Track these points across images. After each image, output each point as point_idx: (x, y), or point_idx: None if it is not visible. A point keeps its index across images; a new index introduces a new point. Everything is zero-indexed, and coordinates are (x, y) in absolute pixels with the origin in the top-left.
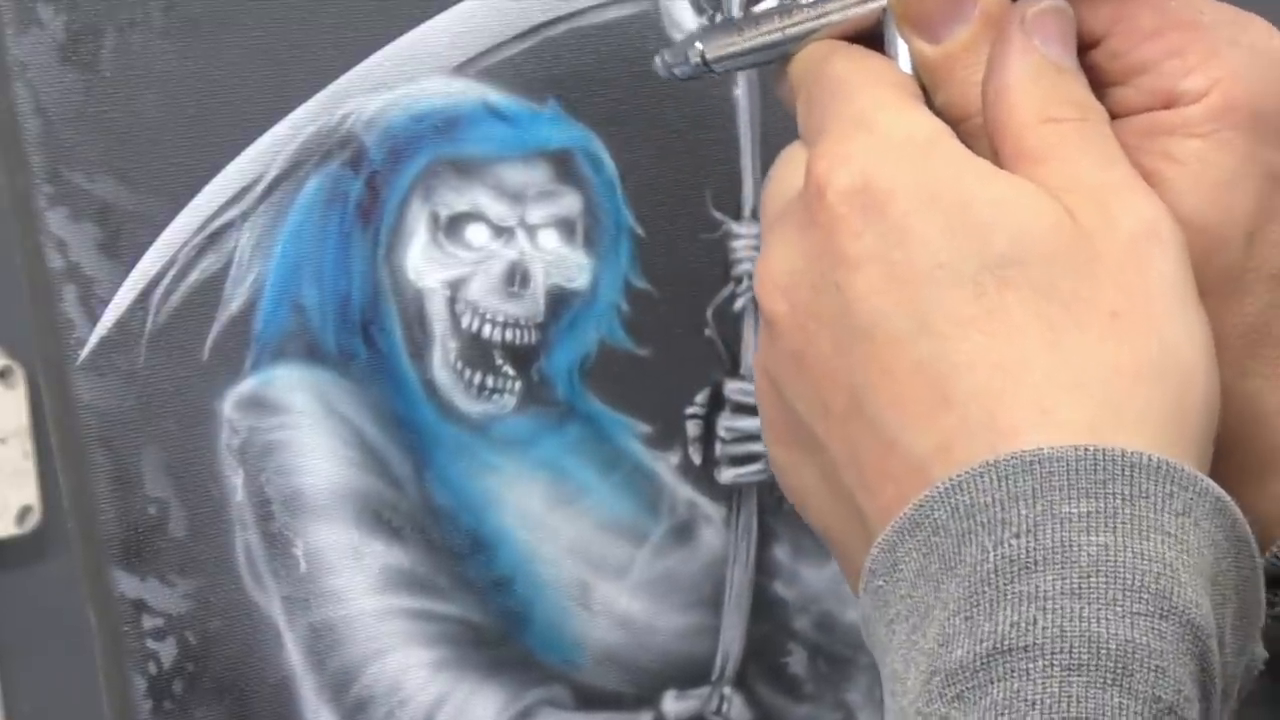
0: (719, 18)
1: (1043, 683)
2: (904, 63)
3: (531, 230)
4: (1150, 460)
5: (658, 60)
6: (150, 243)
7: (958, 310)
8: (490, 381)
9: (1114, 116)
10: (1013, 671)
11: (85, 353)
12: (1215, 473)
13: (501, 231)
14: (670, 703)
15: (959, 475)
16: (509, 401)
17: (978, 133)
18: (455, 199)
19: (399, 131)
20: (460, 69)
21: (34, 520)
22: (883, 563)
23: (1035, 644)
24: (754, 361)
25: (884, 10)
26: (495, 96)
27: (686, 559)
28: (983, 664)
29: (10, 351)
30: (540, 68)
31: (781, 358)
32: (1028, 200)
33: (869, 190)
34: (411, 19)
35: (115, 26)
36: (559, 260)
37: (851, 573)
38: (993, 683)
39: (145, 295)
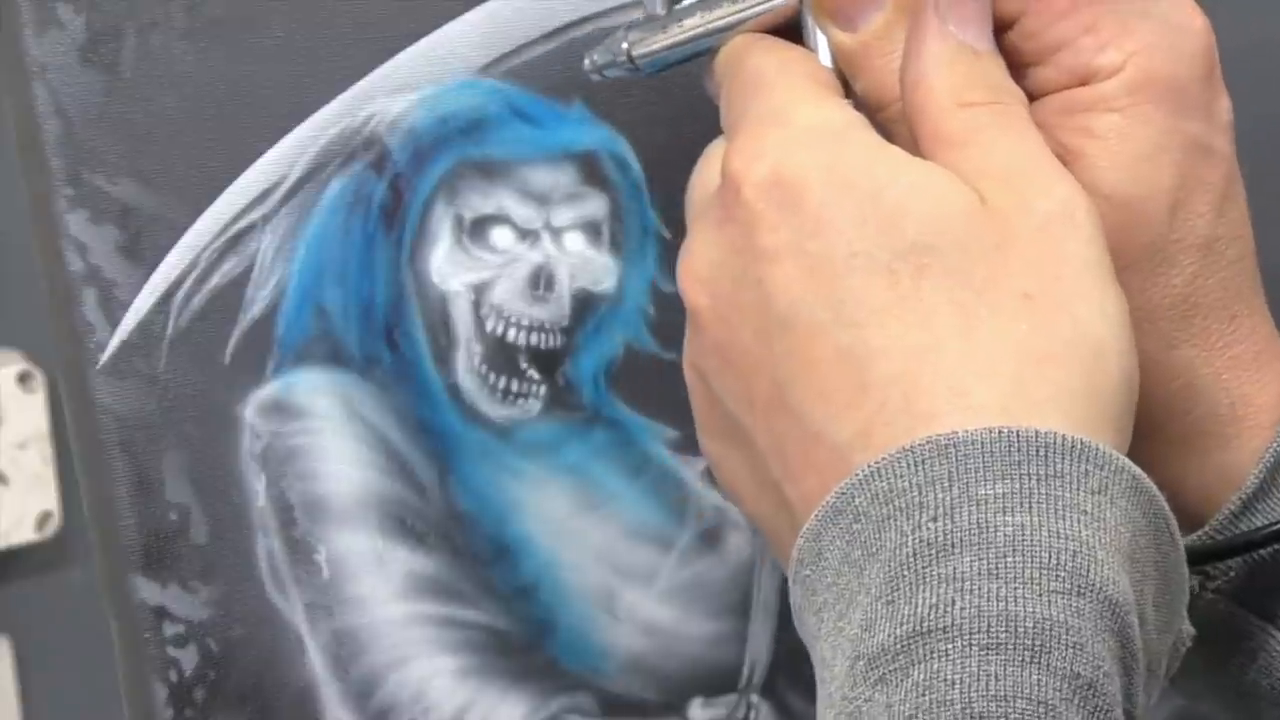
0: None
1: (961, 662)
2: (823, 53)
3: (557, 233)
4: (1064, 440)
5: (586, 61)
6: (171, 245)
7: (873, 298)
8: (515, 386)
9: (1033, 96)
10: (932, 653)
11: (106, 357)
12: (1153, 448)
13: (527, 234)
14: (697, 710)
15: (877, 461)
16: (534, 406)
17: (898, 119)
18: (480, 201)
19: (423, 133)
20: (485, 70)
21: (54, 526)
22: (808, 551)
23: (954, 625)
24: (684, 356)
25: (800, 1)
26: (520, 98)
27: (714, 565)
28: (903, 647)
29: (30, 356)
30: (566, 69)
31: (706, 351)
32: (940, 186)
33: (783, 183)
34: (436, 19)
35: (136, 27)
36: (585, 263)
37: (785, 563)
38: (913, 664)
39: (166, 299)
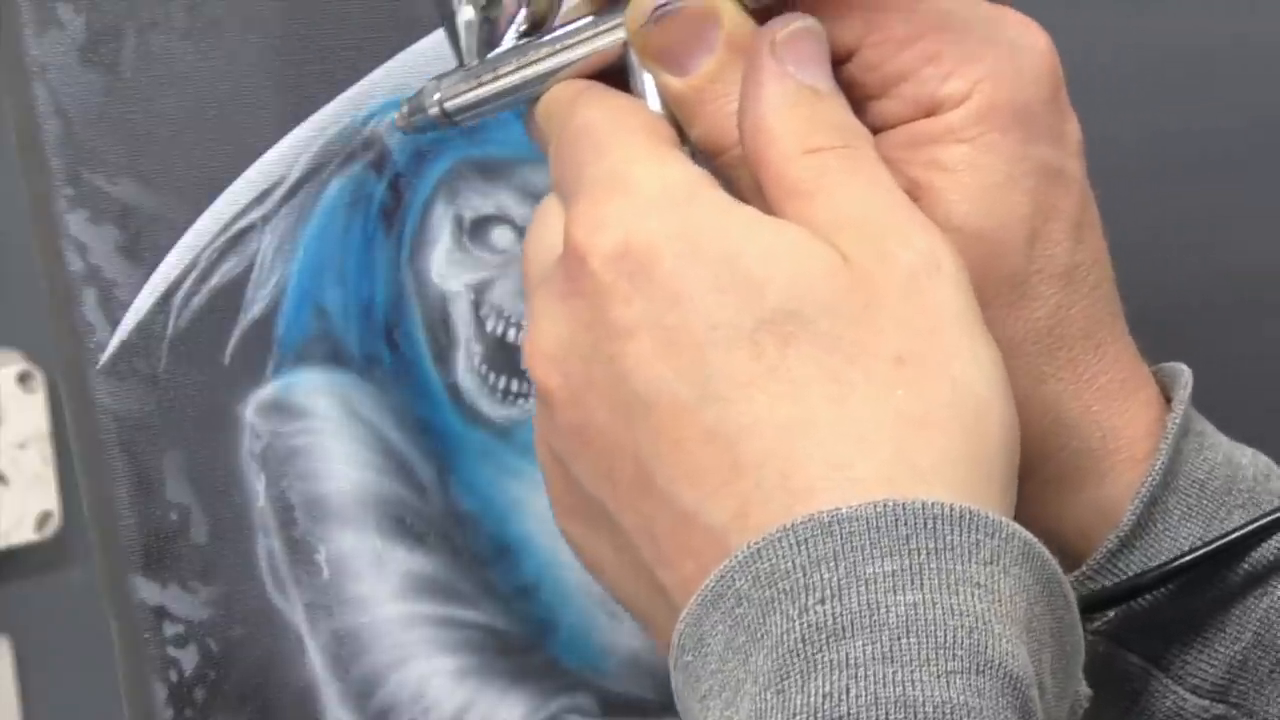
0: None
1: None
2: (651, 99)
3: None
4: (952, 510)
5: (396, 116)
6: (171, 245)
7: (738, 371)
8: (515, 385)
9: (876, 130)
10: None
11: (105, 357)
12: (1029, 488)
13: None
14: None
15: (757, 542)
16: (534, 406)
17: (737, 164)
18: (480, 201)
19: None
20: None
21: (54, 526)
22: (689, 638)
23: (850, 714)
24: (534, 434)
25: (625, 44)
26: None
27: None
28: None
29: (30, 356)
30: None
31: (561, 432)
32: (797, 247)
33: (632, 254)
34: (435, 19)
35: (136, 27)
36: None
37: (662, 647)
38: None
39: (166, 298)
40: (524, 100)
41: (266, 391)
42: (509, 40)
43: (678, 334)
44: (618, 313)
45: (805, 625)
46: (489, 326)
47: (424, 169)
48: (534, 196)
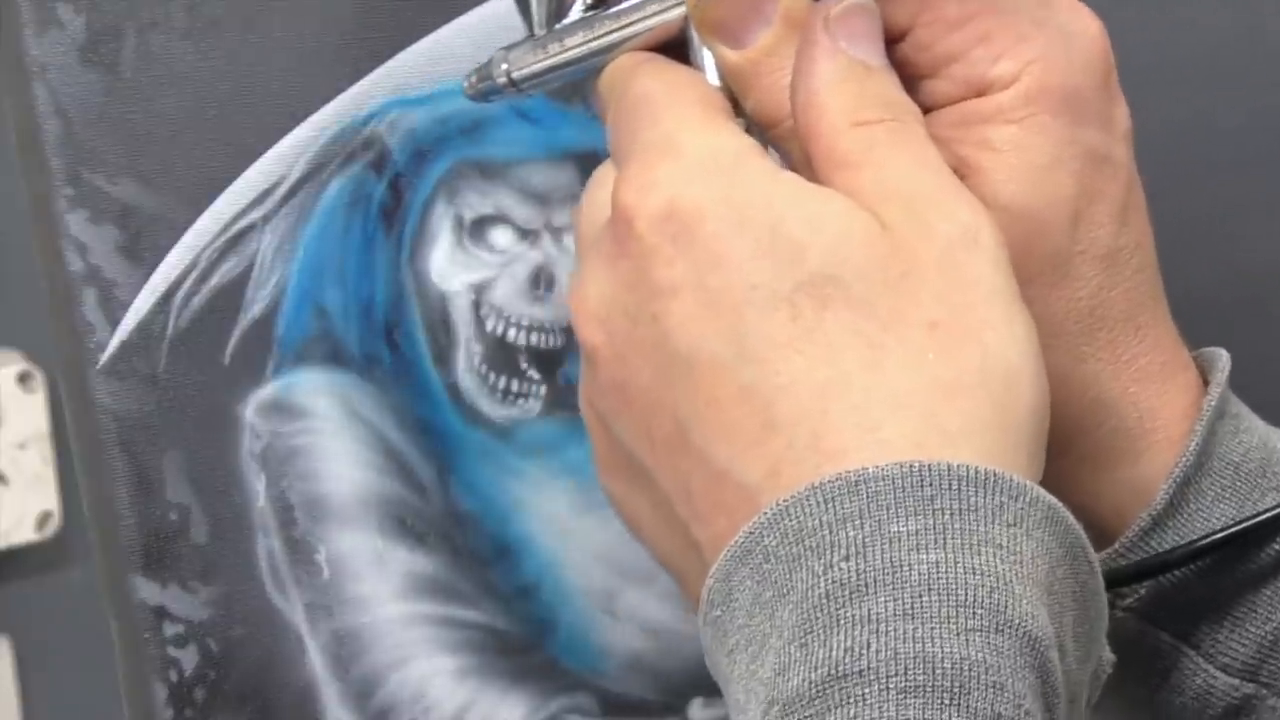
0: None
1: (879, 707)
2: (710, 72)
3: (557, 233)
4: (977, 473)
5: (464, 83)
6: (171, 245)
7: (775, 332)
8: (515, 386)
9: (927, 110)
10: (849, 698)
11: (106, 357)
12: (1064, 465)
13: (527, 234)
14: (697, 710)
15: (786, 499)
16: (534, 406)
17: (790, 137)
18: (480, 201)
19: (423, 133)
20: None
21: (54, 526)
22: (718, 592)
23: (870, 668)
24: (580, 394)
25: (686, 18)
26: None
27: None
28: (819, 692)
29: (30, 356)
30: None
31: (604, 390)
32: (839, 215)
33: (676, 216)
34: (435, 20)
35: (136, 27)
36: None
37: (694, 603)
38: (829, 710)
39: (166, 299)
40: (588, 70)
41: (266, 391)
42: (576, 12)
43: (718, 295)
44: (661, 273)
45: (830, 581)
46: (489, 326)
47: (424, 169)
48: (534, 196)
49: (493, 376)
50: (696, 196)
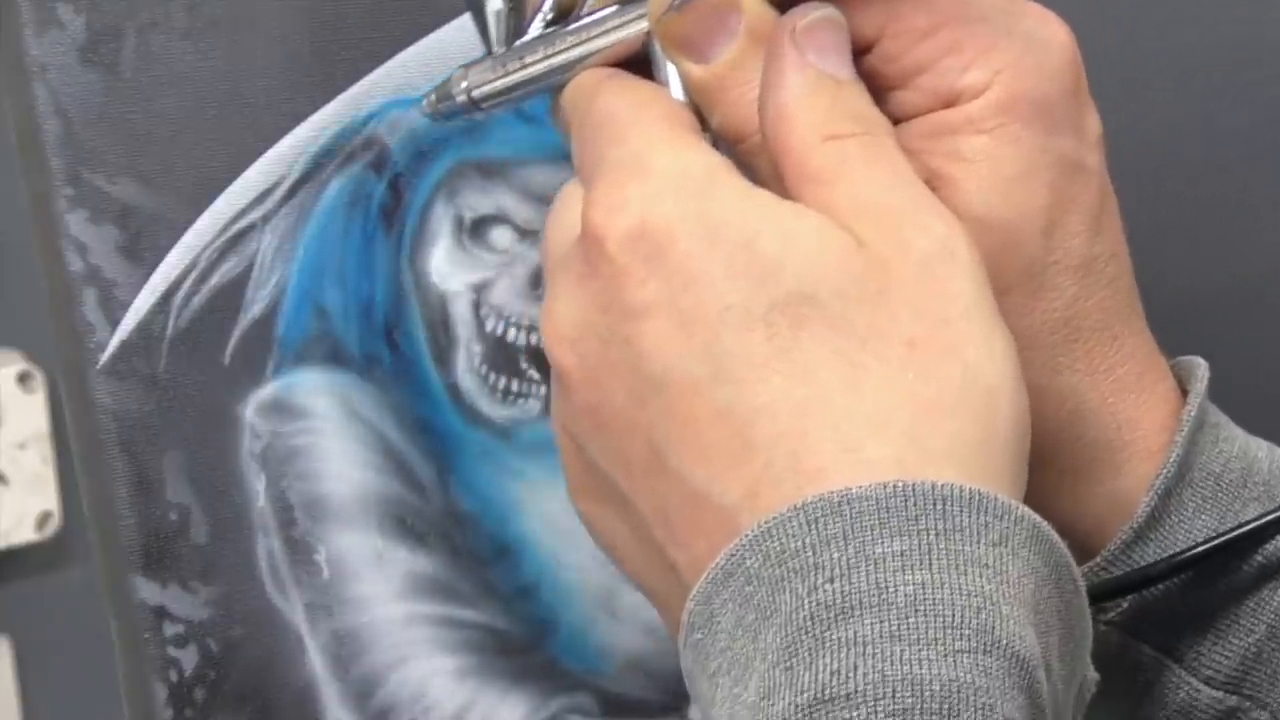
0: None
1: None
2: (674, 86)
3: None
4: (961, 492)
5: (424, 102)
6: (171, 245)
7: (751, 352)
8: (515, 386)
9: (896, 121)
10: None
11: (105, 357)
12: (1044, 479)
13: (527, 234)
14: (697, 711)
15: (768, 521)
16: (534, 406)
17: (758, 151)
18: (480, 201)
19: (423, 133)
20: None
21: (54, 526)
22: (699, 615)
23: (857, 691)
24: (552, 415)
25: (649, 33)
26: None
27: None
28: (805, 716)
29: (30, 356)
30: None
31: (577, 412)
32: (814, 232)
33: (648, 236)
34: (435, 20)
35: (136, 27)
36: None
37: (672, 626)
38: None
39: (166, 298)
40: (550, 88)
41: (266, 391)
42: (535, 29)
43: (692, 315)
44: (633, 294)
45: (814, 603)
46: (489, 326)
47: (424, 169)
48: (534, 196)
49: (493, 376)
50: (667, 215)
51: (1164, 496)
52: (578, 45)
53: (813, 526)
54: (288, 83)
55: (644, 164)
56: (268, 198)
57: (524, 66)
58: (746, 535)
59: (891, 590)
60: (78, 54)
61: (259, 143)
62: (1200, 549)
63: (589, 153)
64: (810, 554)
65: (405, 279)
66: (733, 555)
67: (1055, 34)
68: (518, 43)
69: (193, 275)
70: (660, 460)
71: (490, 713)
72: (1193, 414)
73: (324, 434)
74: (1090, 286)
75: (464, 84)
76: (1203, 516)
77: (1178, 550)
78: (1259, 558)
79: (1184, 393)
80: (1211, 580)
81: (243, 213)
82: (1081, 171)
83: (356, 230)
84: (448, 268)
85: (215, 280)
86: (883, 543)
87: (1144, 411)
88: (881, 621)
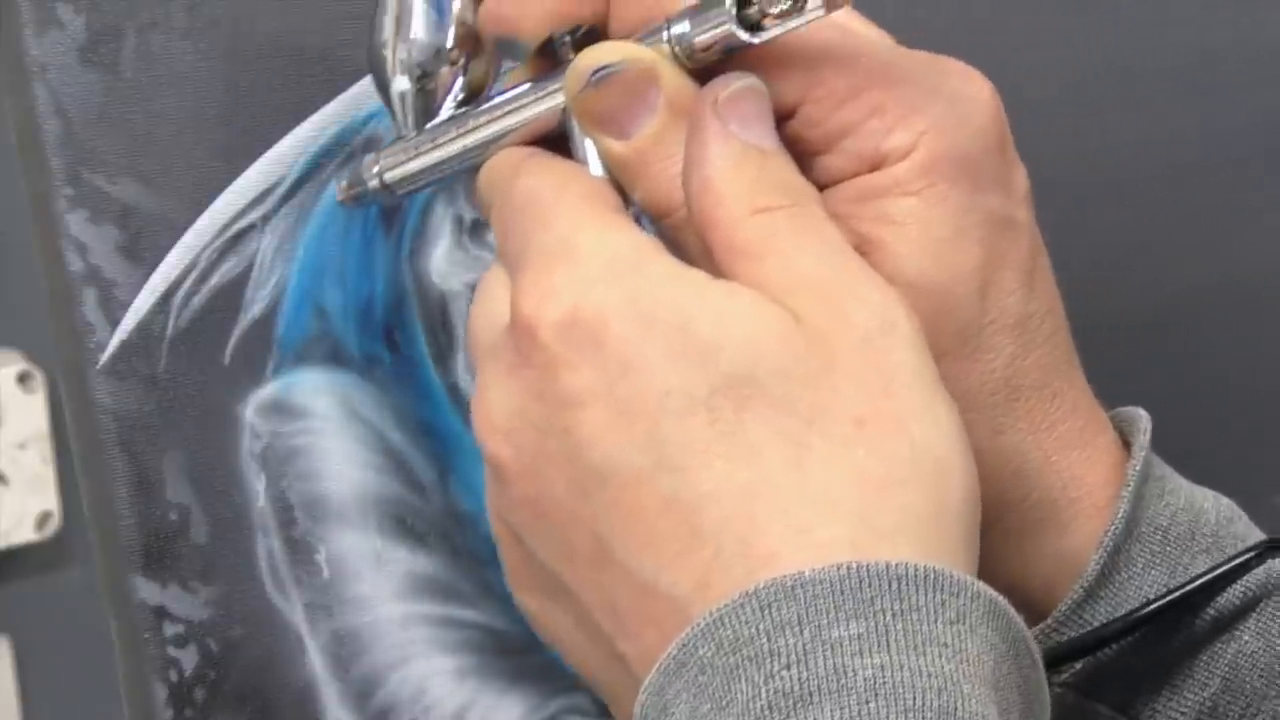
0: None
1: None
2: (594, 163)
3: None
4: (917, 570)
5: (336, 188)
6: (171, 245)
7: (694, 438)
8: None
9: (823, 186)
10: None
11: (105, 357)
12: (992, 541)
13: None
14: None
15: (720, 608)
16: None
17: (684, 226)
18: None
19: None
20: None
21: (53, 526)
22: (652, 707)
23: None
24: (487, 508)
25: (565, 110)
26: None
27: None
28: None
29: (30, 356)
30: None
31: (515, 505)
32: (750, 311)
33: (581, 323)
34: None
35: (136, 27)
36: None
37: (624, 719)
38: None
39: (166, 298)
40: (465, 170)
41: (266, 391)
42: (447, 110)
43: (631, 403)
44: (568, 383)
45: (771, 691)
46: None
47: None
48: None
49: None
50: (599, 301)
51: (1113, 554)
52: (491, 123)
53: (766, 612)
54: (288, 83)
55: (571, 248)
56: (268, 198)
57: (436, 147)
58: (698, 623)
59: (850, 675)
60: (78, 54)
61: (259, 143)
62: (1153, 606)
63: (513, 237)
64: (765, 640)
65: (405, 279)
66: (685, 644)
67: (979, 92)
68: (429, 125)
69: (193, 275)
70: (606, 552)
71: (489, 713)
72: (1138, 468)
73: (324, 434)
74: (1027, 344)
75: (375, 169)
76: (1152, 571)
77: (1130, 609)
78: (1211, 611)
79: (1125, 445)
80: (1165, 636)
81: (243, 213)
82: (1011, 228)
83: (356, 230)
84: (448, 268)
85: (215, 280)
86: (839, 626)
87: (1088, 467)
88: (842, 708)
